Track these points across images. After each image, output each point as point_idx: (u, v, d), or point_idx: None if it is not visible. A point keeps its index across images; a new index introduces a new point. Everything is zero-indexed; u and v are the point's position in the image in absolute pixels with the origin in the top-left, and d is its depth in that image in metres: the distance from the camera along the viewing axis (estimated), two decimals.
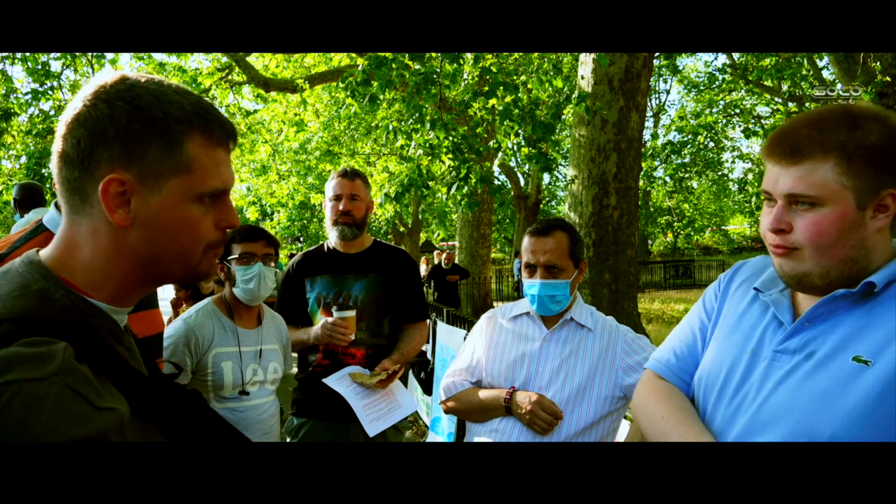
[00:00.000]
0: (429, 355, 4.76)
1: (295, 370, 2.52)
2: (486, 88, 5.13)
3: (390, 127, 6.01)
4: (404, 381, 4.90)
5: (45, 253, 0.79)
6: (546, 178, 20.94)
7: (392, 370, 2.28)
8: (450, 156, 5.32)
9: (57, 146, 0.76)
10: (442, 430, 4.00)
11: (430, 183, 5.72)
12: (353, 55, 9.39)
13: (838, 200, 0.94)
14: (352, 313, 2.24)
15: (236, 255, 2.09)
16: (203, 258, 0.83)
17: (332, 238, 2.44)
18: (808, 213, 0.96)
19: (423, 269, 10.72)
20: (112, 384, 0.70)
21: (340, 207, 2.35)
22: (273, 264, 2.14)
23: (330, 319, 2.23)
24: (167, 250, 0.79)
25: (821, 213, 0.95)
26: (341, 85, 5.47)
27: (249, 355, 2.07)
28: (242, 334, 2.09)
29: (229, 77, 10.91)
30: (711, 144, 18.42)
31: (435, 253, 10.30)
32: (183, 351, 1.97)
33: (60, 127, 0.76)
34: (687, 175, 19.67)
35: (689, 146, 16.68)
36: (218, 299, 2.16)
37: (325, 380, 2.21)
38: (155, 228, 0.77)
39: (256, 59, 11.43)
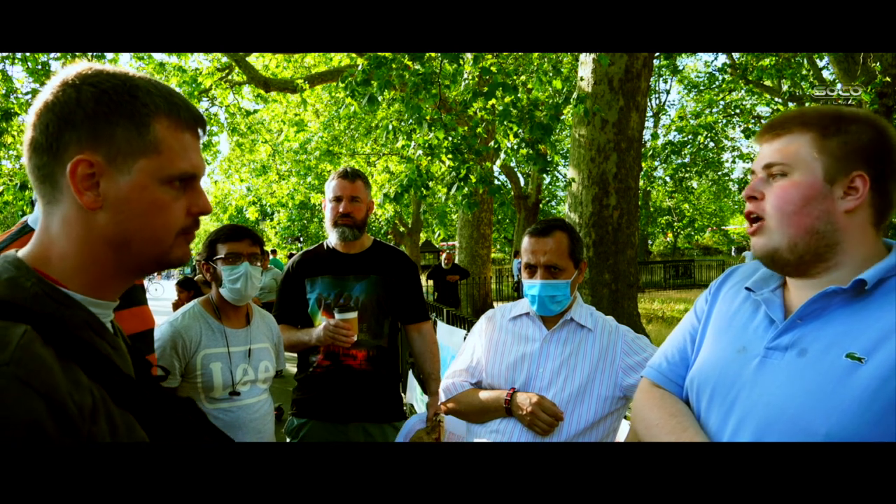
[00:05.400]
0: None
1: (294, 370, 2.51)
2: (486, 89, 5.13)
3: (390, 127, 6.02)
4: (404, 381, 4.91)
5: (23, 250, 0.79)
6: (546, 178, 20.93)
7: (441, 416, 2.28)
8: (449, 156, 5.33)
9: (27, 136, 0.77)
10: None
11: (430, 183, 5.73)
12: (353, 55, 9.39)
13: (806, 170, 1.00)
14: (353, 315, 2.23)
15: (222, 256, 2.07)
16: (175, 243, 0.82)
17: (332, 238, 2.43)
18: (778, 182, 1.03)
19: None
20: (82, 371, 0.69)
21: (341, 210, 2.33)
22: (259, 263, 2.12)
23: (332, 321, 2.22)
24: (138, 233, 0.78)
25: (790, 179, 1.01)
26: (341, 85, 5.48)
27: (239, 355, 2.06)
28: (231, 334, 2.08)
29: (229, 77, 10.91)
30: (711, 144, 18.43)
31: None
32: (171, 354, 1.96)
33: (30, 117, 0.77)
34: (687, 175, 19.69)
35: (689, 146, 16.71)
36: (205, 301, 2.14)
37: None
38: (125, 210, 0.77)
39: (256, 59, 11.43)
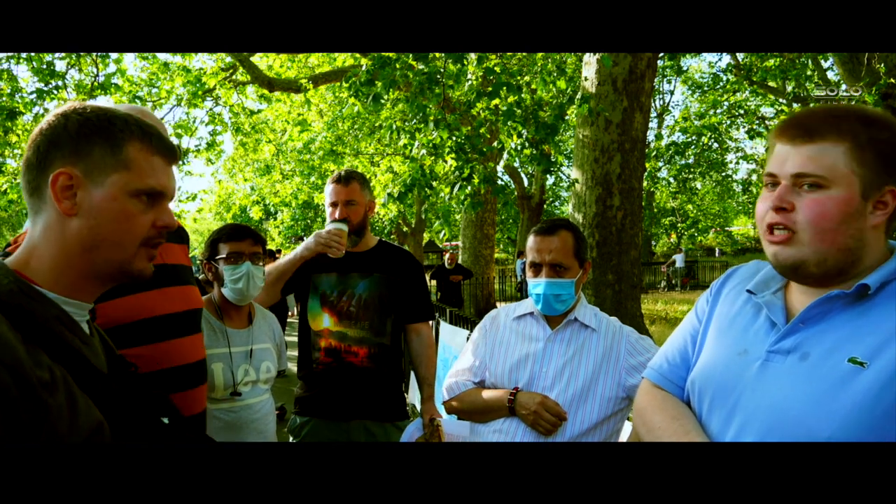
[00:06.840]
0: None
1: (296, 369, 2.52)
2: (490, 89, 5.13)
3: (394, 127, 6.01)
4: (406, 381, 4.91)
5: (10, 258, 0.91)
6: (550, 178, 20.91)
7: (437, 421, 2.25)
8: (453, 156, 5.33)
9: (24, 158, 0.91)
10: None
11: (434, 183, 5.73)
12: (357, 55, 9.39)
13: (845, 185, 0.94)
14: (345, 227, 2.27)
15: (224, 255, 2.06)
16: (137, 252, 0.93)
17: None
18: (812, 194, 0.95)
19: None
20: (46, 355, 0.79)
21: (336, 215, 2.34)
22: (261, 263, 2.12)
23: (324, 229, 2.26)
24: (106, 238, 0.90)
25: (826, 194, 0.94)
26: (345, 85, 5.48)
27: (240, 356, 2.05)
28: (232, 335, 2.07)
29: (233, 77, 10.93)
30: (715, 145, 18.41)
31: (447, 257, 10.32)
32: None
33: (29, 143, 0.90)
34: (691, 176, 19.65)
35: (692, 147, 16.66)
36: (207, 300, 2.12)
37: None
38: (97, 217, 0.89)
39: (260, 59, 11.44)
